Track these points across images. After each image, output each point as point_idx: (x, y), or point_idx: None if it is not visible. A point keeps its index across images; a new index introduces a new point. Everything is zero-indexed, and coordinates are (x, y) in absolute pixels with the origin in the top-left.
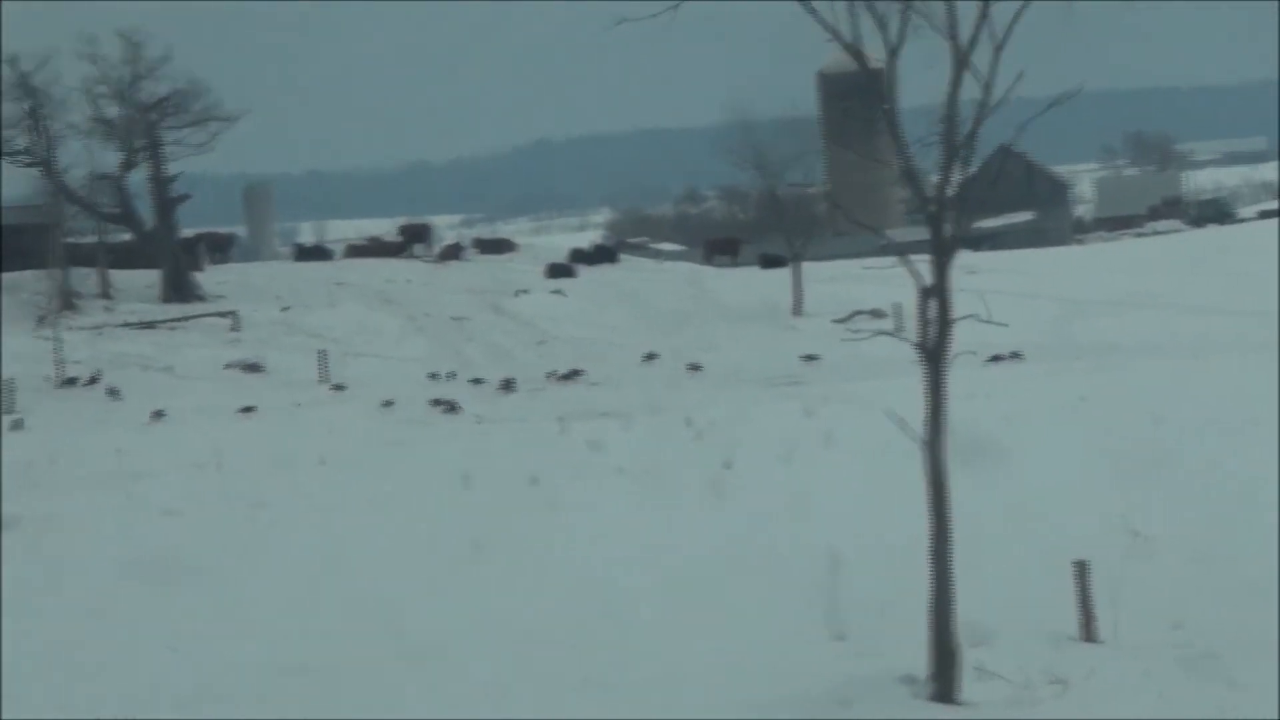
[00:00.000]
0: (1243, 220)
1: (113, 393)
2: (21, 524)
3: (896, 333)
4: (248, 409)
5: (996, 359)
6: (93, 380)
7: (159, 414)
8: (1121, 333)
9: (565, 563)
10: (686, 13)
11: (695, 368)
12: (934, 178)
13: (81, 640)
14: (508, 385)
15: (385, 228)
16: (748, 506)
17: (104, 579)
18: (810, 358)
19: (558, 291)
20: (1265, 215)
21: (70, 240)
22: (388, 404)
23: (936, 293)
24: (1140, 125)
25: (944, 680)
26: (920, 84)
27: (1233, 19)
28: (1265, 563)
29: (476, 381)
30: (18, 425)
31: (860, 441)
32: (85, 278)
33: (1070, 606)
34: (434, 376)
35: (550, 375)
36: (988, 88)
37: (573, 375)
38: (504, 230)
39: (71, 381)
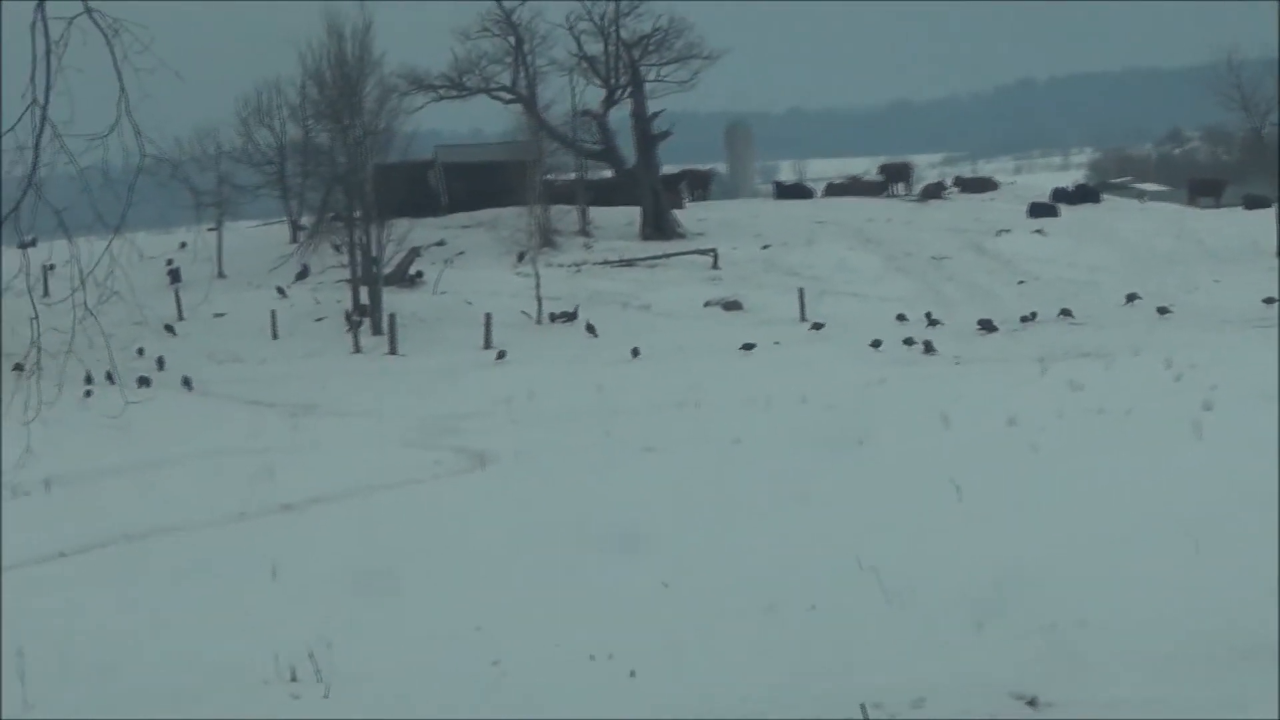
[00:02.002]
0: None
1: (590, 329)
2: (499, 458)
3: None
4: (748, 346)
5: None
6: (571, 317)
7: (636, 351)
8: None
9: (1044, 504)
10: None
11: (1164, 310)
12: None
13: (547, 596)
14: (987, 325)
15: (865, 166)
16: (1228, 448)
17: (582, 518)
18: (1269, 300)
19: (1039, 231)
20: None
21: (550, 177)
22: (875, 344)
23: None
24: None
25: None
26: None
27: None
28: None
29: (950, 323)
30: (500, 359)
31: None
32: (564, 214)
33: None
34: (901, 318)
35: (1030, 316)
36: None
37: (1054, 316)
38: (985, 169)
39: (553, 318)
